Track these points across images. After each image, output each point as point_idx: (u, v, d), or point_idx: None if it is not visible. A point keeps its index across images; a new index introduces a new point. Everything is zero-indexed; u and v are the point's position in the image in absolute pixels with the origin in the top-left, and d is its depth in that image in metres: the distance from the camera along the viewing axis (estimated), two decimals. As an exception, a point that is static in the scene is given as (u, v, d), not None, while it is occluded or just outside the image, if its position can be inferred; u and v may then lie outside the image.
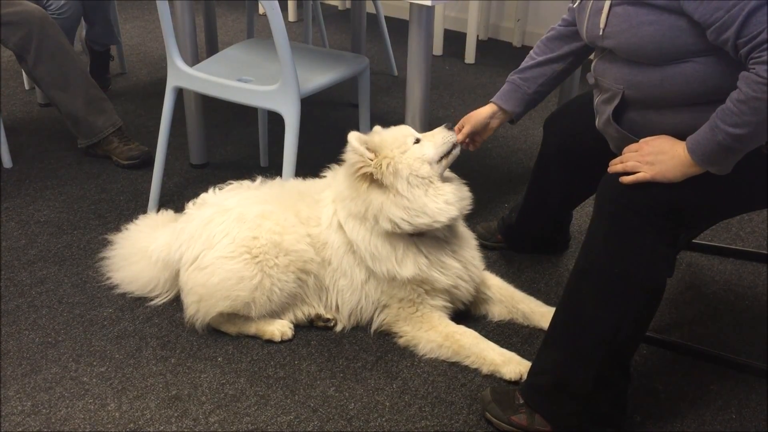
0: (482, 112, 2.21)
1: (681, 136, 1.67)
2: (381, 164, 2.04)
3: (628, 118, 1.80)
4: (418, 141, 2.10)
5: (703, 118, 1.61)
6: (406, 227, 2.05)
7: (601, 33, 1.75)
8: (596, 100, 1.90)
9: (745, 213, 1.86)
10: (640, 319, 1.74)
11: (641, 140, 1.73)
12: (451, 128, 2.14)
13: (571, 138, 2.19)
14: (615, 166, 1.73)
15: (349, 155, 2.09)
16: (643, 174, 1.66)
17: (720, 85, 1.60)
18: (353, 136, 2.06)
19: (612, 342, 1.72)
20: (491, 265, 2.49)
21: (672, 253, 1.71)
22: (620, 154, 1.78)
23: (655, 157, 1.67)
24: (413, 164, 2.05)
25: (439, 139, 2.12)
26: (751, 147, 1.59)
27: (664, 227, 1.66)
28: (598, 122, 1.90)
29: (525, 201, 2.48)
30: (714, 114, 1.57)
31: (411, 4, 2.27)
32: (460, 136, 2.18)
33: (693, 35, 1.59)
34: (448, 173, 2.17)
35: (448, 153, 2.12)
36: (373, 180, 2.05)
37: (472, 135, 2.22)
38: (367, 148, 2.06)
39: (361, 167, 2.05)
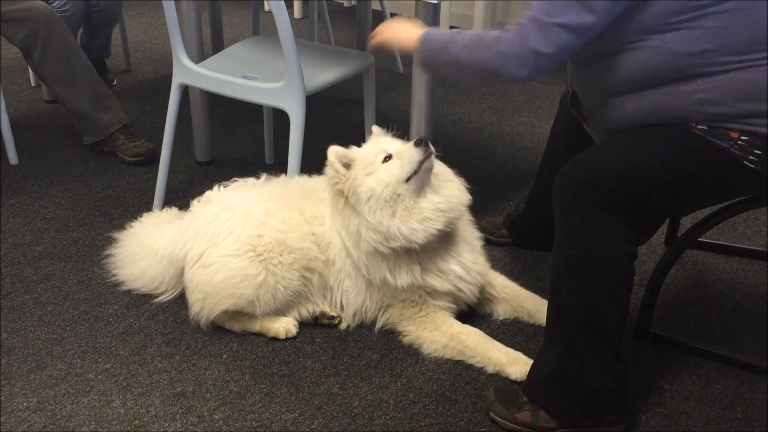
0: None
1: (620, 121, 1.78)
2: (345, 185, 2.04)
3: (582, 110, 1.95)
4: (389, 158, 2.03)
5: (631, 103, 1.73)
6: (384, 250, 2.03)
7: None
8: None
9: (706, 204, 1.91)
10: (612, 295, 1.75)
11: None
12: (420, 143, 2.00)
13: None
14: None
15: (327, 169, 2.09)
16: (381, 35, 2.02)
17: (636, 74, 1.69)
18: (331, 151, 2.06)
19: (593, 323, 1.74)
20: (496, 263, 2.49)
21: (627, 228, 1.72)
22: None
23: (397, 27, 1.99)
24: (375, 187, 2.00)
25: (406, 158, 2.00)
26: (446, 69, 1.91)
27: (608, 204, 1.69)
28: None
29: (534, 185, 2.50)
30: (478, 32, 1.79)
31: (417, 1, 2.27)
32: None
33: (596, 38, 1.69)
34: (441, 170, 2.11)
35: (417, 171, 2.00)
36: (347, 199, 2.05)
37: None
38: (345, 163, 2.05)
39: (336, 183, 2.06)
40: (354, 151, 2.10)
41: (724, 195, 1.83)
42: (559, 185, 1.78)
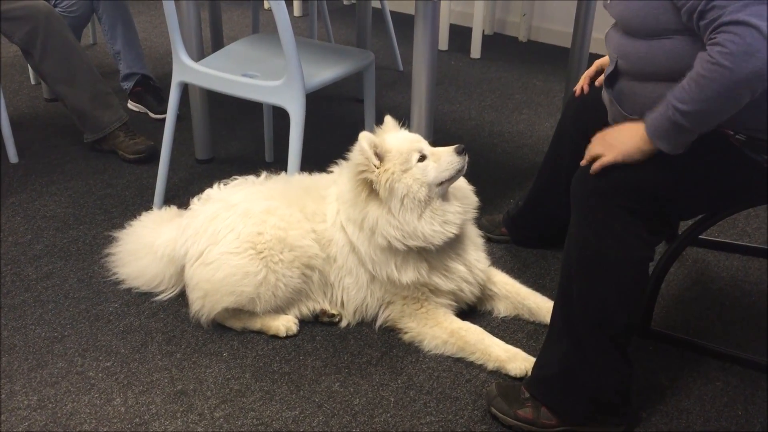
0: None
1: None
2: (381, 176, 2.02)
3: (618, 87, 1.85)
4: (424, 158, 2.04)
5: None
6: (400, 246, 2.04)
7: (608, 0, 1.82)
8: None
9: (722, 209, 1.89)
10: (625, 297, 1.75)
11: (604, 129, 1.78)
12: (461, 152, 2.04)
13: (588, 118, 2.17)
14: (584, 159, 1.78)
15: (355, 155, 2.06)
16: (606, 158, 1.71)
17: None
18: (364, 137, 2.02)
19: (604, 324, 1.75)
20: (496, 261, 2.49)
21: (644, 230, 1.72)
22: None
23: (615, 139, 1.72)
24: (412, 186, 2.00)
25: (444, 163, 2.03)
26: (700, 128, 1.60)
27: (628, 206, 1.69)
28: (603, 92, 1.95)
29: (535, 183, 2.49)
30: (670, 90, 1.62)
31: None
32: (587, 75, 2.17)
33: (674, 14, 1.62)
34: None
35: (451, 177, 2.06)
36: (372, 189, 2.03)
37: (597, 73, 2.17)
38: (376, 153, 2.03)
39: (364, 171, 2.03)
40: (385, 141, 2.07)
41: (746, 203, 1.82)
42: (578, 183, 1.76)
